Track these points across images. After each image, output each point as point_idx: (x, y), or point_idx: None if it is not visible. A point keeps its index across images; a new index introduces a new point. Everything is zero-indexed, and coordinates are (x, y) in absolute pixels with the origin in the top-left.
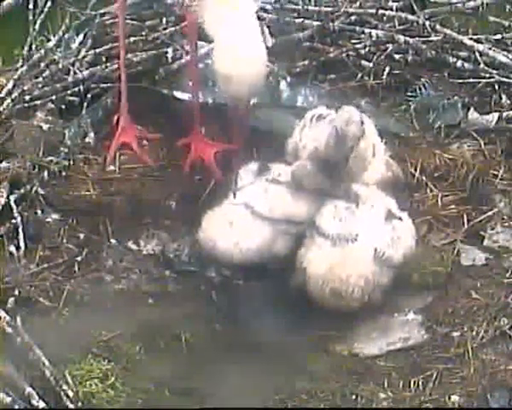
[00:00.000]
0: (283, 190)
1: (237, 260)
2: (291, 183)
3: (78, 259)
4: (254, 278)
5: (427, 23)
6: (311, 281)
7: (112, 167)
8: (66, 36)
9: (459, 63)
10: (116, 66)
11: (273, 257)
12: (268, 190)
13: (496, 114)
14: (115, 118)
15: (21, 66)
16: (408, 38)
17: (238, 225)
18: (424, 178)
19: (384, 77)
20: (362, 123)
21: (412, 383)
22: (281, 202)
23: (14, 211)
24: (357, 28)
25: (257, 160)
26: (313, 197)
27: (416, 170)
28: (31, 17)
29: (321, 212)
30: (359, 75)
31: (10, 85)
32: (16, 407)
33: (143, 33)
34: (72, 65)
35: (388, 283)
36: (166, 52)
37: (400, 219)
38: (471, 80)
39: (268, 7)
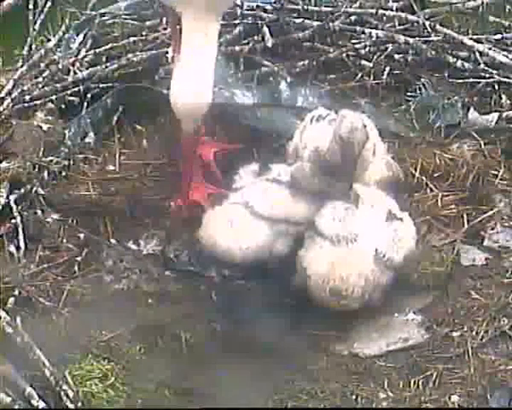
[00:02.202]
0: (283, 190)
1: (237, 259)
2: (290, 184)
3: (78, 259)
4: (254, 277)
5: (427, 23)
6: (311, 281)
7: (112, 167)
8: (66, 36)
9: (459, 63)
10: (116, 66)
11: (273, 257)
12: (268, 190)
13: (496, 114)
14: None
15: (21, 66)
16: (408, 38)
17: (238, 224)
18: (424, 178)
19: (384, 77)
20: (365, 126)
21: (412, 383)
22: (281, 201)
23: (14, 211)
24: (357, 28)
25: (257, 160)
26: (313, 198)
27: (415, 170)
28: (31, 17)
29: (320, 213)
30: (359, 75)
31: (10, 85)
32: (16, 407)
33: (143, 33)
34: (72, 65)
35: (388, 283)
36: (166, 52)
37: (401, 219)
38: (471, 80)
39: (268, 7)
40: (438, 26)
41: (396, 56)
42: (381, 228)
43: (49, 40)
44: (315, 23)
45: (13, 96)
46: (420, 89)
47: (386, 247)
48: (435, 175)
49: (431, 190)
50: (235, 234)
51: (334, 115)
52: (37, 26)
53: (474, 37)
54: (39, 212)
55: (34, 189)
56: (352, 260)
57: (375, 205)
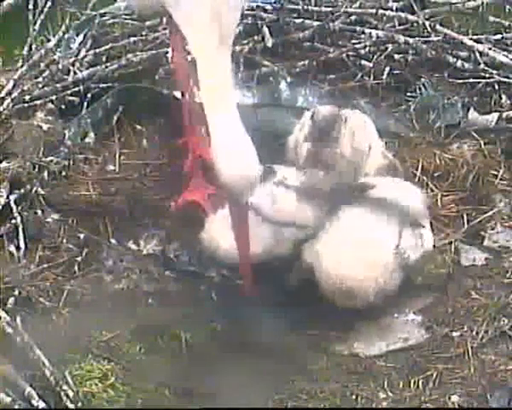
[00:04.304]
0: (290, 194)
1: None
2: (302, 191)
3: (78, 259)
4: (256, 278)
5: (427, 23)
6: (321, 276)
7: (112, 167)
8: (66, 36)
9: (459, 63)
10: (116, 66)
11: (276, 259)
12: (274, 193)
13: (496, 114)
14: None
15: (21, 66)
16: (408, 38)
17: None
18: (424, 178)
19: (384, 77)
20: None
21: (412, 383)
22: (286, 204)
23: (14, 211)
24: (358, 28)
25: (262, 163)
26: (322, 204)
27: (416, 170)
28: (31, 17)
29: (338, 214)
30: (359, 75)
31: (10, 85)
32: (16, 407)
33: (143, 33)
34: (72, 65)
35: (397, 287)
36: (166, 52)
37: (423, 226)
38: (471, 80)
39: (268, 7)
40: (438, 26)
41: (396, 56)
42: (401, 233)
43: (49, 40)
44: (315, 23)
45: (13, 96)
46: (420, 89)
47: (407, 250)
48: (435, 175)
49: (431, 190)
50: None
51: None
52: (37, 26)
53: (474, 37)
54: (39, 212)
55: (34, 189)
56: (367, 263)
57: (396, 210)
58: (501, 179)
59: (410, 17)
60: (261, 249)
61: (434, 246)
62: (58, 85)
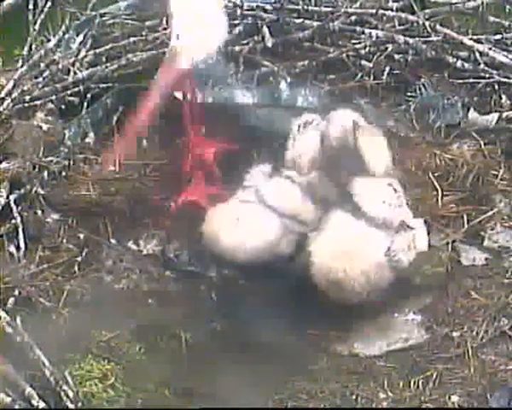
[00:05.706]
0: (295, 188)
1: (241, 258)
2: (306, 188)
3: (78, 259)
4: (256, 276)
5: (427, 23)
6: (315, 267)
7: (112, 167)
8: (66, 36)
9: (459, 63)
10: (116, 66)
11: (277, 256)
12: (280, 185)
13: (496, 114)
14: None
15: (21, 66)
16: (408, 38)
17: (243, 221)
18: (424, 178)
19: (384, 77)
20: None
21: (412, 383)
22: (291, 197)
23: (14, 211)
24: (358, 28)
25: (269, 162)
26: (323, 204)
27: (416, 170)
28: (31, 17)
29: (334, 209)
30: (359, 75)
31: (10, 85)
32: (16, 407)
33: (143, 33)
34: (72, 65)
35: (391, 283)
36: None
37: (413, 228)
38: (471, 80)
39: (268, 7)
40: (438, 26)
41: (396, 56)
42: (392, 236)
43: (49, 40)
44: (315, 23)
45: (13, 96)
46: (420, 89)
47: (396, 250)
48: (435, 175)
49: (431, 190)
50: (240, 231)
51: (319, 119)
52: (37, 26)
53: (474, 37)
54: (39, 212)
55: (34, 189)
56: (358, 257)
57: (387, 210)
58: (501, 179)
59: (410, 17)
60: (259, 244)
61: (430, 245)
62: (58, 85)
